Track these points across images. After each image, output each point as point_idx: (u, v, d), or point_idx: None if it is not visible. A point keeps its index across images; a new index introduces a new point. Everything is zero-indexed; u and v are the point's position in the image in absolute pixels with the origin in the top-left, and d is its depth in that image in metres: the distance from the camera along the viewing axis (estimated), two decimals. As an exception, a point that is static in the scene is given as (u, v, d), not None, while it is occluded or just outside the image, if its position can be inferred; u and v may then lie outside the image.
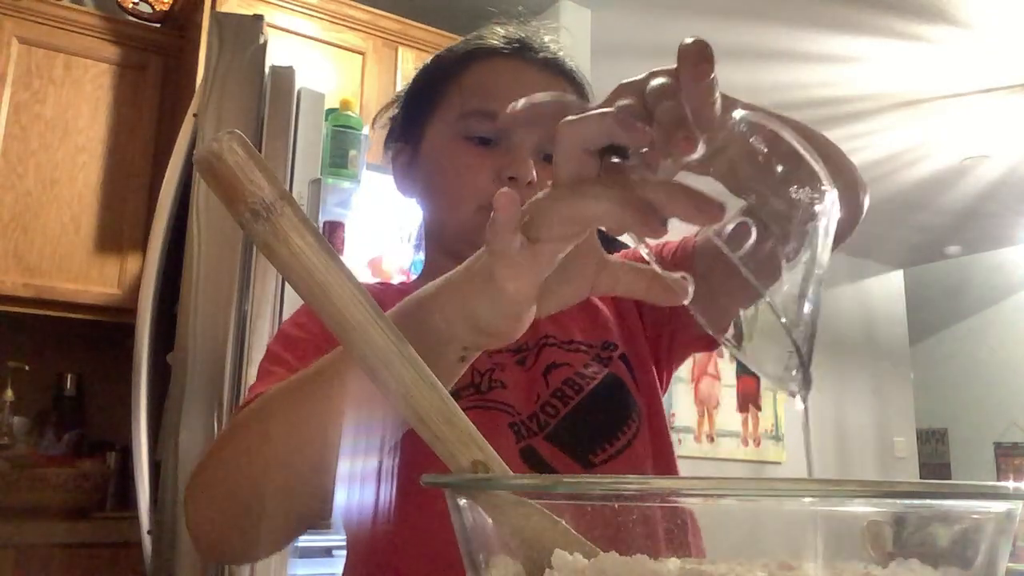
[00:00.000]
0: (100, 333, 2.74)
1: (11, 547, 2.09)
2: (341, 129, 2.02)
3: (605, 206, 0.43)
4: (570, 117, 0.45)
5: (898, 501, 0.31)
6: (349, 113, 2.07)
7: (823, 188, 0.44)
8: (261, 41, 1.88)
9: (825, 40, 3.11)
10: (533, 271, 0.45)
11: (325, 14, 2.73)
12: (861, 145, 4.10)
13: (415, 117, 0.85)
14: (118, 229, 2.64)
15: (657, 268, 0.49)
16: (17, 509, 2.21)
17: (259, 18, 1.90)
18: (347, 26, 2.77)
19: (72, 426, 2.59)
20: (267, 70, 1.89)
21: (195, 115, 1.93)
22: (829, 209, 0.44)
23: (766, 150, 0.45)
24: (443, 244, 0.83)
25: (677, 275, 0.48)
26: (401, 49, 2.84)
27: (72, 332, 2.70)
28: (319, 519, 0.58)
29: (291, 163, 1.88)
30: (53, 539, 2.15)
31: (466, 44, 0.84)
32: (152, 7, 2.88)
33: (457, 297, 0.49)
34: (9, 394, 2.51)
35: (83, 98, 2.63)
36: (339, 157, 1.99)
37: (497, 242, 0.44)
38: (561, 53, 0.84)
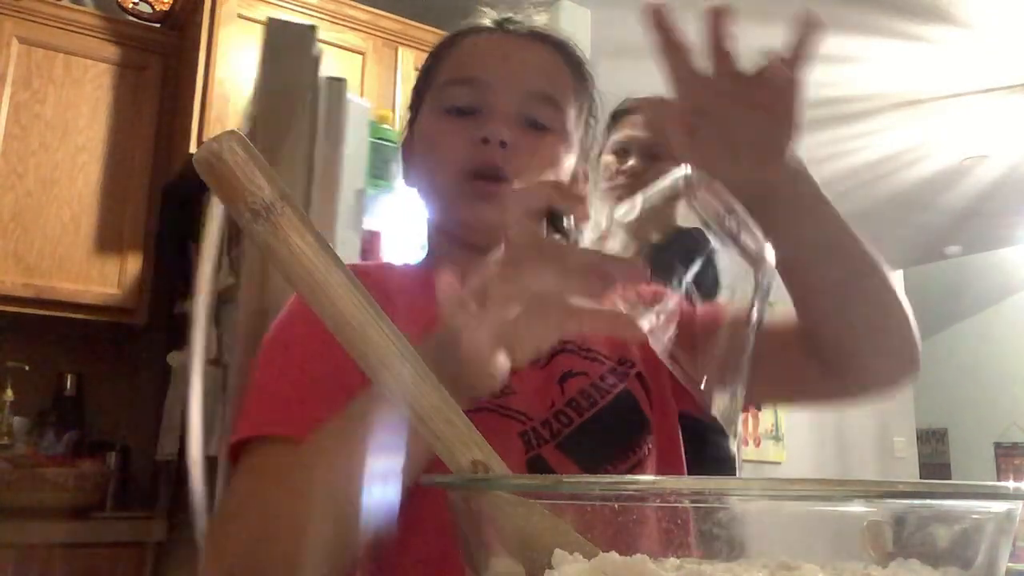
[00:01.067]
0: (100, 333, 2.74)
1: (11, 547, 2.09)
2: (380, 141, 2.07)
3: (576, 325, 0.52)
4: (515, 185, 0.52)
5: (898, 501, 0.31)
6: (387, 126, 2.14)
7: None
8: (316, 52, 1.89)
9: (825, 40, 3.10)
10: (492, 340, 0.51)
11: (325, 14, 2.73)
12: (861, 145, 4.10)
13: (413, 108, 0.86)
14: (118, 229, 2.64)
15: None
16: (17, 509, 2.21)
17: (313, 28, 1.90)
18: (347, 26, 2.77)
19: (72, 426, 2.59)
20: (320, 81, 1.91)
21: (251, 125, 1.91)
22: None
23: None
24: (437, 222, 0.83)
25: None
26: (401, 49, 2.84)
27: (72, 332, 2.70)
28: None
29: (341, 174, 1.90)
30: (53, 539, 2.15)
31: (455, 28, 0.85)
32: (152, 7, 2.88)
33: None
34: (9, 394, 2.51)
35: (83, 98, 2.63)
36: (379, 168, 2.04)
37: (451, 321, 0.51)
38: (549, 30, 0.83)
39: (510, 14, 0.84)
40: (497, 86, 0.76)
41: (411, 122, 0.86)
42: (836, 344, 0.71)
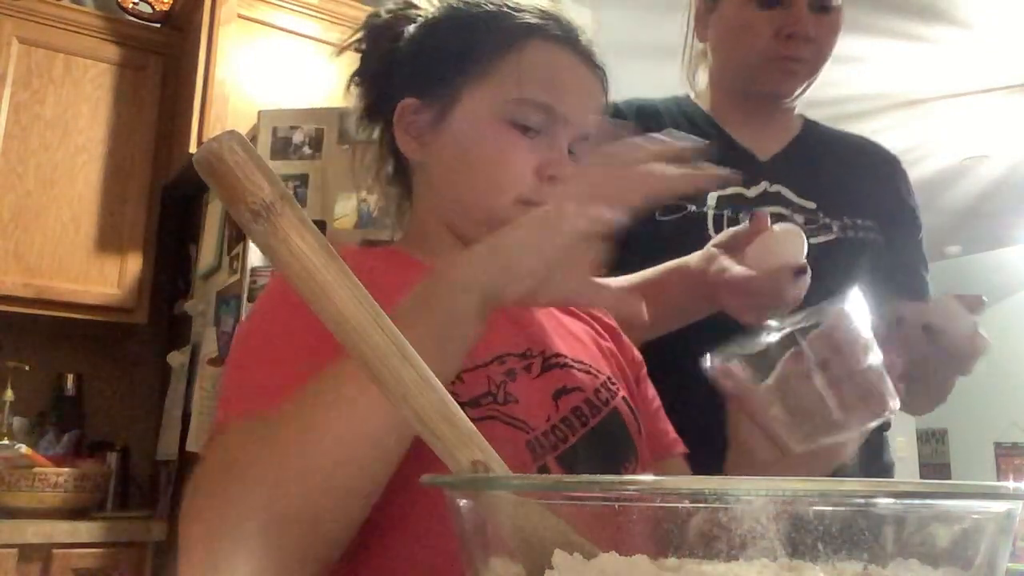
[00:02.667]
0: (100, 333, 2.74)
1: (11, 547, 2.09)
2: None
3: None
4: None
5: (898, 501, 0.31)
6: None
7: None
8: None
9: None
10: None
11: (325, 14, 2.73)
12: (861, 145, 4.10)
13: (446, 76, 0.78)
14: (118, 229, 2.64)
15: None
16: (17, 509, 2.21)
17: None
18: (347, 26, 2.76)
19: (72, 426, 2.59)
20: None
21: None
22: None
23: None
24: (455, 222, 0.79)
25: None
26: (401, 49, 2.84)
27: (72, 332, 2.70)
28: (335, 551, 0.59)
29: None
30: (53, 539, 2.15)
31: (514, 14, 0.78)
32: (152, 7, 2.88)
33: (488, 253, 0.59)
34: (9, 394, 2.51)
35: (83, 98, 2.63)
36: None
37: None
38: (594, 48, 0.82)
39: (561, 17, 0.80)
40: (567, 120, 0.76)
41: (440, 95, 0.78)
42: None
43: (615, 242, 0.61)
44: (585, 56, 0.80)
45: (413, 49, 0.81)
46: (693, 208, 1.10)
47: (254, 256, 2.11)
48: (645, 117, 1.16)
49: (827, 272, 0.90)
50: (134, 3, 2.86)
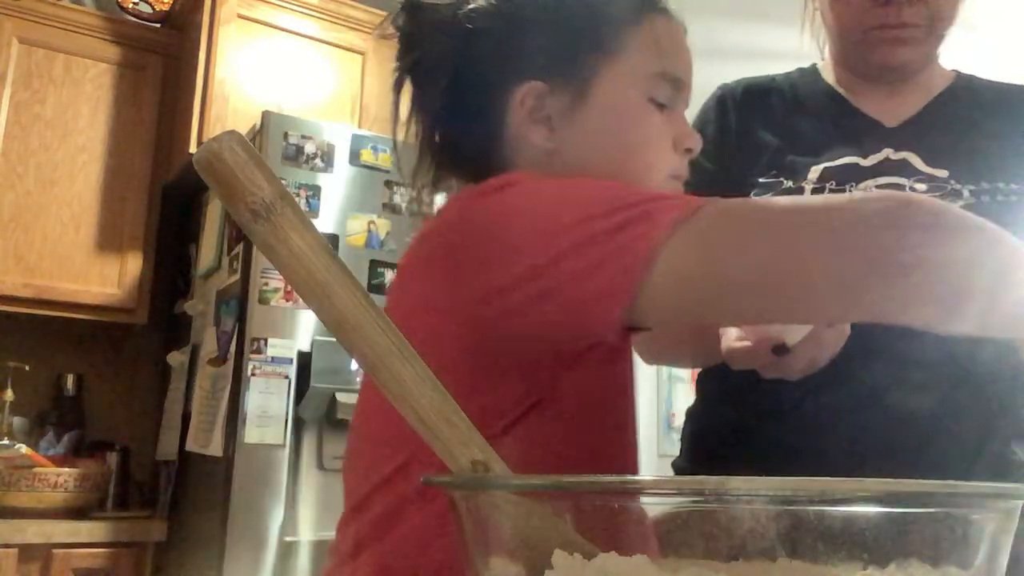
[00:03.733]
0: (100, 333, 2.74)
1: (11, 547, 2.09)
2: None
3: None
4: None
5: (898, 501, 0.31)
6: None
7: None
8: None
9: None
10: None
11: (325, 14, 2.73)
12: (861, 145, 4.09)
13: (579, 55, 0.73)
14: (118, 229, 2.64)
15: None
16: (17, 509, 2.21)
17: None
18: (347, 26, 2.77)
19: (72, 426, 2.59)
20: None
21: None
22: None
23: None
24: None
25: None
26: (401, 49, 2.84)
27: (72, 332, 2.70)
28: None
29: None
30: (53, 539, 2.15)
31: None
32: (152, 7, 2.88)
33: None
34: (9, 394, 2.51)
35: (83, 98, 2.63)
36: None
37: None
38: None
39: None
40: (686, 94, 0.78)
41: (572, 76, 0.73)
42: None
43: None
44: (683, 28, 0.80)
45: (524, 29, 0.74)
46: (790, 183, 1.01)
47: (262, 258, 2.12)
48: (751, 97, 1.11)
49: None
50: (134, 3, 2.86)
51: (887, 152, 1.01)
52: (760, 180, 1.02)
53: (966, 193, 0.96)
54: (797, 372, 0.78)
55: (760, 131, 1.07)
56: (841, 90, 1.09)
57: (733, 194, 0.86)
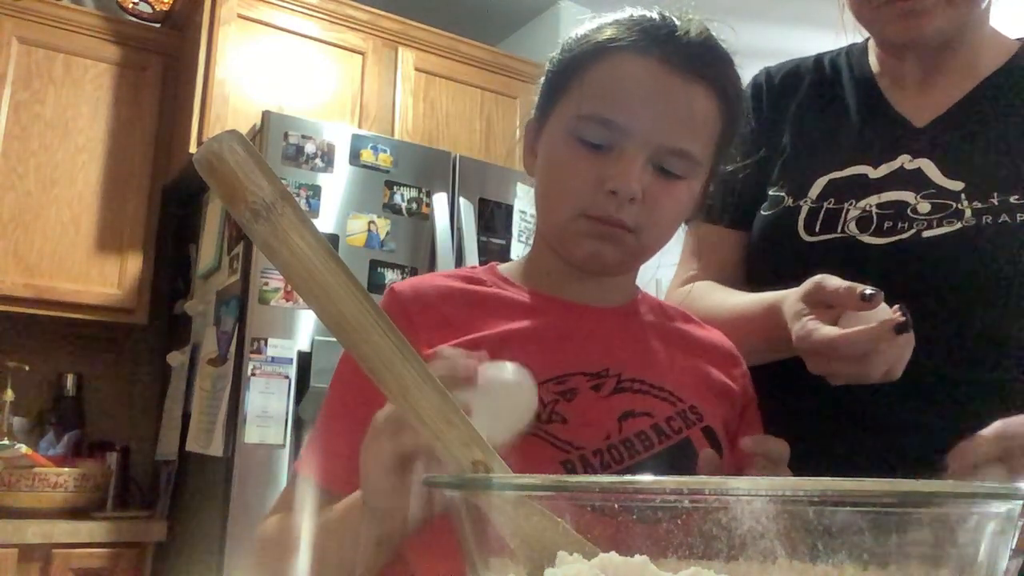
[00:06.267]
0: (100, 333, 2.74)
1: (11, 547, 2.09)
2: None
3: None
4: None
5: (898, 501, 0.31)
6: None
7: None
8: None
9: (826, 40, 3.10)
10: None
11: (325, 14, 2.73)
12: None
13: (546, 100, 0.80)
14: (118, 229, 2.64)
15: None
16: (17, 509, 2.21)
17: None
18: (347, 26, 2.77)
19: (72, 426, 2.59)
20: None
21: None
22: None
23: None
24: (542, 232, 0.82)
25: None
26: (401, 49, 2.84)
27: (72, 332, 2.70)
28: None
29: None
30: (53, 539, 2.15)
31: (603, 29, 0.77)
32: (152, 7, 2.88)
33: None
34: (9, 394, 2.51)
35: (83, 98, 2.63)
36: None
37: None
38: (715, 46, 0.76)
39: (666, 16, 0.76)
40: (635, 134, 0.72)
41: (541, 116, 0.80)
42: None
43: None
44: (683, 62, 0.73)
45: (546, 75, 0.83)
46: (790, 202, 0.97)
47: (262, 258, 2.11)
48: (785, 87, 1.07)
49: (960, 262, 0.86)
50: (134, 3, 2.86)
51: (903, 160, 0.95)
52: (770, 192, 1.00)
53: (968, 213, 0.89)
54: (875, 377, 0.73)
55: (780, 131, 1.04)
56: (878, 77, 1.02)
57: (750, 201, 0.84)
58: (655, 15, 0.76)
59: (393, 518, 0.55)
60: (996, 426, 0.70)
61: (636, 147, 0.72)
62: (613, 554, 0.32)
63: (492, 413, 0.52)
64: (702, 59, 0.75)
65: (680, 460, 0.73)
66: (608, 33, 0.76)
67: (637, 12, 0.77)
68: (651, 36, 0.74)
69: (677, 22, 0.75)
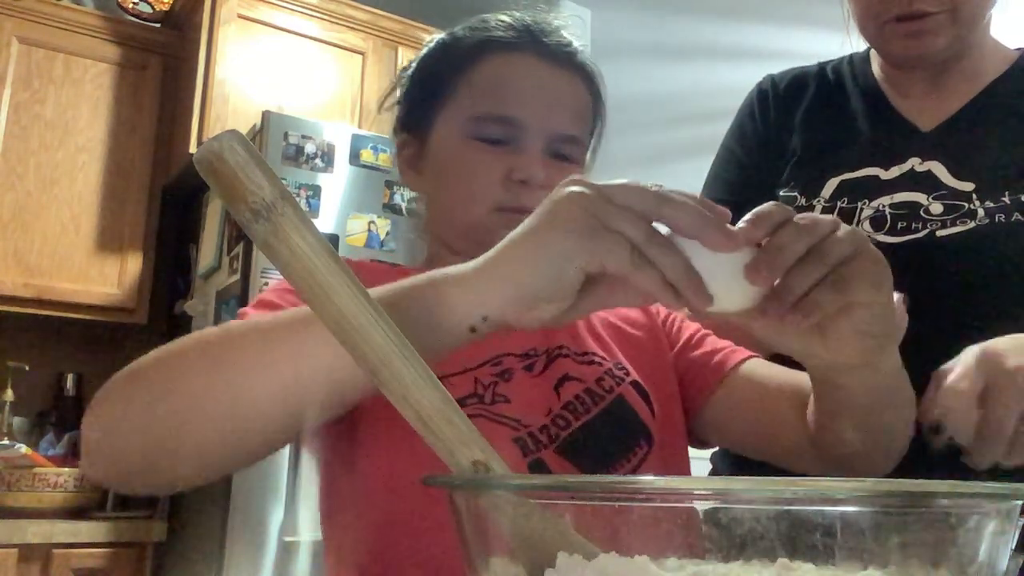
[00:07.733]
0: (100, 333, 2.74)
1: (11, 547, 2.09)
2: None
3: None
4: None
5: (898, 501, 0.31)
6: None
7: None
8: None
9: (827, 40, 3.10)
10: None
11: (325, 14, 2.73)
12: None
13: (421, 110, 0.83)
14: (118, 229, 2.64)
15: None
16: (17, 509, 2.21)
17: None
18: (347, 26, 2.77)
19: (72, 426, 2.59)
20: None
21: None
22: None
23: None
24: (449, 241, 0.82)
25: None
26: (401, 49, 2.84)
27: (72, 332, 2.70)
28: (253, 459, 0.59)
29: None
30: (53, 539, 2.15)
31: (473, 33, 0.81)
32: (152, 7, 2.88)
33: (484, 277, 0.52)
34: (9, 394, 2.51)
35: (83, 98, 2.63)
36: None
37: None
38: (575, 43, 0.82)
39: (531, 22, 0.81)
40: (532, 126, 0.77)
41: (419, 127, 0.83)
42: (843, 444, 0.68)
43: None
44: (556, 57, 0.80)
45: (404, 88, 0.87)
46: (803, 201, 0.98)
47: (262, 258, 2.11)
48: (791, 91, 1.08)
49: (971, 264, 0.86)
50: (134, 3, 2.86)
51: (913, 163, 0.96)
52: (780, 193, 1.00)
53: (981, 213, 0.91)
54: (982, 466, 0.72)
55: (790, 132, 1.05)
56: (883, 84, 1.04)
57: (758, 200, 0.83)
58: (517, 16, 0.82)
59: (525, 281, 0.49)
60: (975, 351, 0.71)
61: (534, 137, 0.77)
62: (613, 554, 0.32)
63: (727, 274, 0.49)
64: (572, 51, 0.81)
65: (621, 417, 0.76)
66: (481, 35, 0.81)
67: (494, 16, 0.82)
68: (526, 34, 0.80)
69: (539, 20, 0.81)
